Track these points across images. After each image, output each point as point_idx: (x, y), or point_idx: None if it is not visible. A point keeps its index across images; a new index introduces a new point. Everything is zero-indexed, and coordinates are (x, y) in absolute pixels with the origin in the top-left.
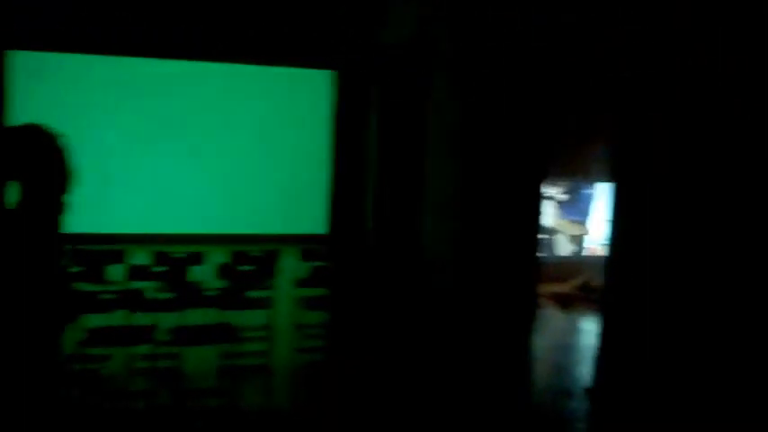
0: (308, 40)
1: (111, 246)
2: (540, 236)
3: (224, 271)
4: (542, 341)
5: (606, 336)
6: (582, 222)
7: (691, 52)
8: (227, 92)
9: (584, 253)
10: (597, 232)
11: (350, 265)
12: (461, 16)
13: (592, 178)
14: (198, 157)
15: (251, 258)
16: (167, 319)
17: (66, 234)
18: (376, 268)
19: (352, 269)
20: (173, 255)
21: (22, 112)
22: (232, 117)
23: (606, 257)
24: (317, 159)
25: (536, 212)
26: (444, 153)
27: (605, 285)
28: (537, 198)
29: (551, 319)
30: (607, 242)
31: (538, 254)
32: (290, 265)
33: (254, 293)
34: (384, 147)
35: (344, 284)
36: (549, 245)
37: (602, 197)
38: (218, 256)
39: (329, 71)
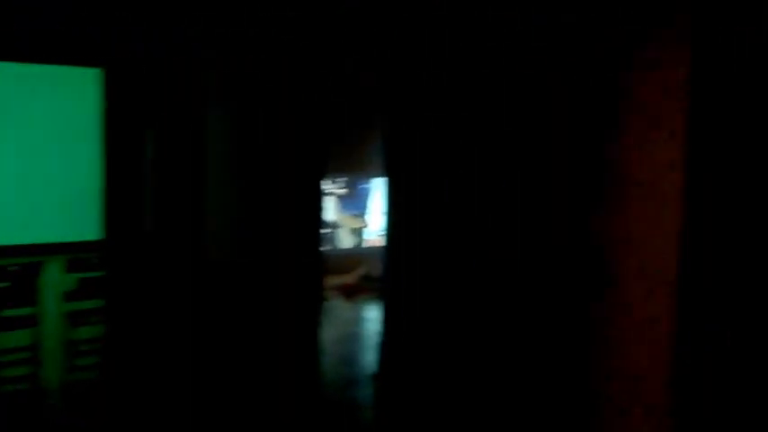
0: (68, 34)
1: None
2: (322, 230)
3: None
4: (330, 332)
5: (386, 323)
6: (361, 215)
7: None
8: None
9: (365, 245)
10: (376, 224)
11: (128, 271)
12: None
13: (369, 173)
14: None
15: (8, 273)
16: None
17: None
18: (156, 273)
19: (131, 275)
20: None
21: None
22: None
23: (383, 248)
24: (88, 161)
25: (318, 208)
26: (221, 149)
27: (383, 275)
28: (318, 195)
29: (337, 310)
30: (384, 234)
31: (321, 248)
32: (56, 278)
33: (12, 312)
34: (161, 145)
35: (122, 293)
36: (332, 238)
37: (378, 191)
38: None
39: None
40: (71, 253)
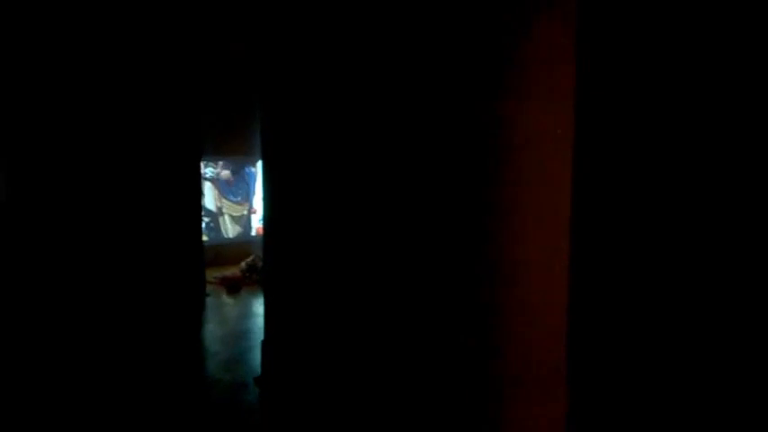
0: None
1: None
2: (202, 218)
3: None
4: (212, 330)
5: (268, 320)
6: (246, 202)
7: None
8: None
9: (251, 233)
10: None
11: None
12: None
13: (254, 157)
14: None
15: None
16: None
17: None
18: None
19: None
20: None
21: None
22: None
23: (263, 236)
24: None
25: (195, 194)
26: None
27: (264, 266)
28: (194, 178)
29: (221, 305)
30: (263, 222)
31: (200, 238)
32: None
33: None
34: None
35: None
36: (214, 227)
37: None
38: None
39: None
40: None
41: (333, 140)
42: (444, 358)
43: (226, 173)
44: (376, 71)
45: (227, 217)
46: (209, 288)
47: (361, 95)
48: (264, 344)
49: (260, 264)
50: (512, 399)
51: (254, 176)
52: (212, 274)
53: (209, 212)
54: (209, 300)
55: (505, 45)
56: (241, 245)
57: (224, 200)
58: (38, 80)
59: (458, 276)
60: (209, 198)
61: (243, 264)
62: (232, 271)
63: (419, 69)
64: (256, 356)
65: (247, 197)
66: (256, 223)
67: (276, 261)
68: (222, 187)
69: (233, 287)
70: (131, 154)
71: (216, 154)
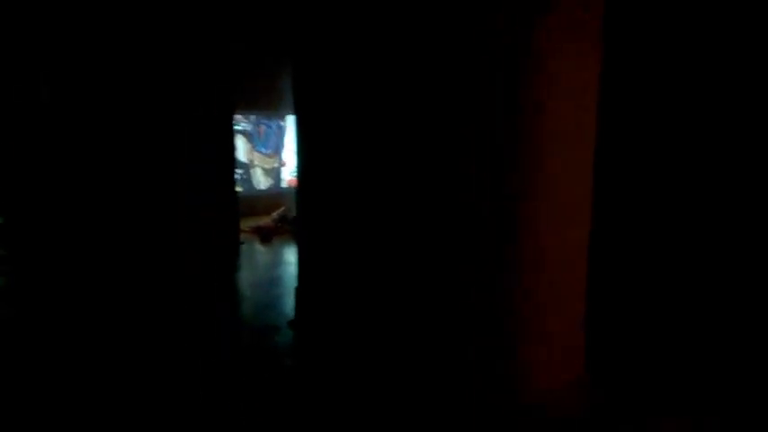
0: None
1: None
2: (236, 170)
3: None
4: (246, 276)
5: (301, 268)
6: (276, 155)
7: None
8: None
9: (282, 185)
10: (292, 164)
11: (25, 219)
12: None
13: (284, 111)
14: None
15: None
16: None
17: None
18: (55, 220)
19: (28, 223)
20: None
21: None
22: None
23: (296, 189)
24: None
25: (229, 147)
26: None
27: (297, 217)
28: (228, 132)
29: (254, 253)
30: (296, 173)
31: (235, 189)
32: None
33: None
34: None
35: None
36: (247, 179)
37: (293, 129)
38: None
39: None
40: None
41: (364, 97)
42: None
43: (258, 127)
44: (406, 31)
45: (258, 169)
46: (243, 237)
47: (393, 53)
48: (298, 289)
49: (291, 214)
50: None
51: (283, 130)
52: (246, 224)
53: (242, 165)
54: (243, 248)
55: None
56: (272, 196)
57: (256, 153)
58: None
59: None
60: (242, 151)
61: (275, 214)
62: (265, 221)
63: (449, 33)
64: (287, 302)
65: (278, 150)
66: (287, 175)
67: (308, 211)
68: (254, 140)
69: (265, 236)
70: (172, 109)
71: (248, 108)
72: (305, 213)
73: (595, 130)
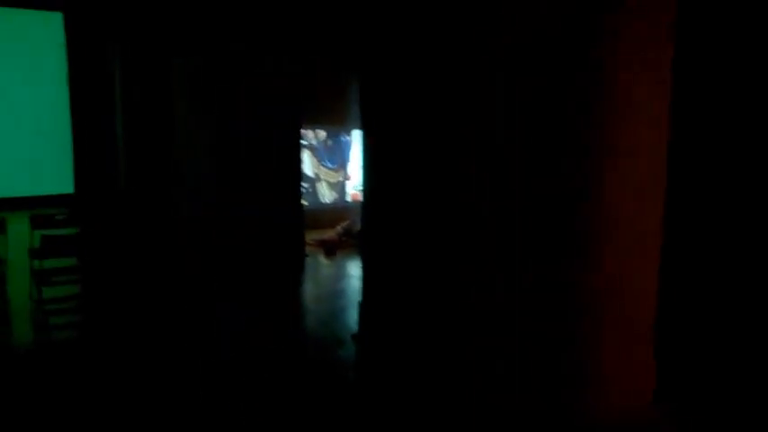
0: None
1: None
2: (301, 184)
3: None
4: (311, 289)
5: (366, 281)
6: (341, 169)
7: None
8: None
9: (346, 199)
10: (357, 178)
11: (102, 227)
12: None
13: (350, 125)
14: None
15: None
16: None
17: None
18: (130, 230)
19: (105, 232)
20: None
21: None
22: None
23: (362, 203)
24: (56, 110)
25: (296, 161)
26: (188, 95)
27: (362, 231)
28: (296, 147)
29: (318, 266)
30: (362, 188)
31: (301, 202)
32: (21, 235)
33: None
34: (129, 95)
35: (95, 250)
36: (312, 193)
37: (358, 143)
38: None
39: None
40: (36, 208)
41: (433, 109)
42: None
43: (323, 141)
44: (477, 41)
45: (323, 183)
46: (307, 250)
47: (463, 63)
48: (362, 303)
49: (355, 228)
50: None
51: (349, 145)
52: (310, 237)
53: (308, 178)
54: (307, 260)
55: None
56: (336, 210)
57: (321, 167)
58: None
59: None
60: (308, 165)
61: (339, 227)
62: (329, 234)
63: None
64: (351, 315)
65: (343, 164)
66: (351, 189)
67: (374, 226)
68: (320, 155)
69: (330, 249)
70: (246, 124)
71: (314, 123)
72: (370, 227)
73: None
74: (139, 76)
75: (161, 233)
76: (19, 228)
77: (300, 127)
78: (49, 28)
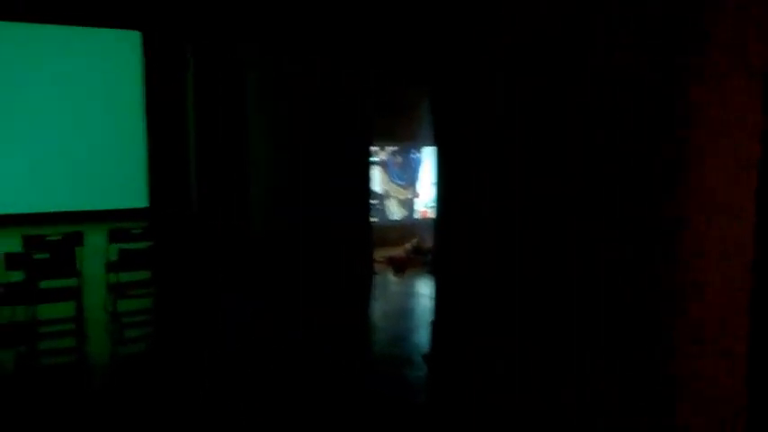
0: None
1: None
2: (371, 201)
3: (14, 261)
4: (380, 307)
5: (439, 300)
6: (411, 186)
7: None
8: (22, 55)
9: (415, 216)
10: (426, 195)
11: (175, 241)
12: None
13: (420, 142)
14: None
15: (48, 243)
16: None
17: None
18: (202, 244)
19: (178, 246)
20: None
21: None
22: (28, 81)
23: (435, 220)
24: (132, 125)
25: (366, 177)
26: (261, 113)
27: (435, 248)
28: (366, 163)
29: (387, 284)
30: (434, 205)
31: (370, 219)
32: (100, 247)
33: (54, 284)
34: (203, 111)
35: (169, 264)
36: (381, 210)
37: (429, 160)
38: (7, 244)
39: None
40: (112, 222)
41: (515, 125)
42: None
43: (392, 158)
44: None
45: (393, 200)
46: (376, 267)
47: (552, 81)
48: (434, 323)
49: (424, 246)
50: None
51: (419, 161)
52: (379, 254)
53: (377, 195)
54: (376, 278)
55: None
56: (405, 227)
57: (391, 183)
58: None
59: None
60: (377, 181)
61: (408, 245)
62: (397, 252)
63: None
64: (421, 335)
65: (412, 181)
66: (420, 206)
67: (448, 243)
68: (389, 171)
69: (399, 267)
70: (316, 140)
71: (384, 139)
72: (444, 245)
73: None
74: (213, 93)
75: (231, 248)
76: (94, 240)
77: (371, 143)
78: (127, 46)
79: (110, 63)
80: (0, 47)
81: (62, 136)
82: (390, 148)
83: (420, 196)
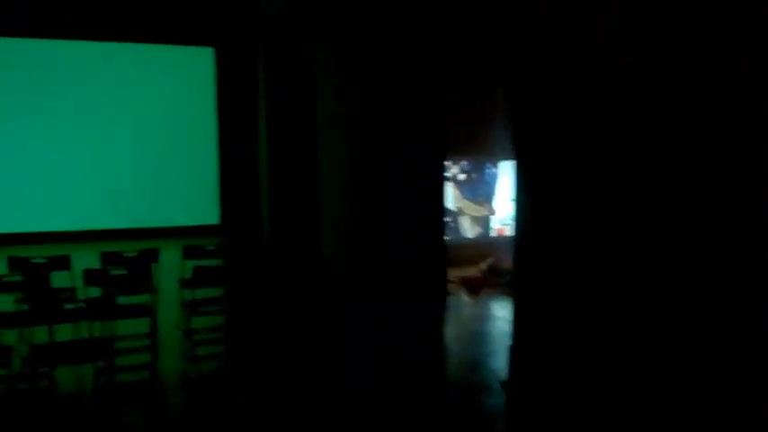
0: (178, 14)
1: None
2: (444, 218)
3: (92, 277)
4: (454, 330)
5: (519, 323)
6: (486, 202)
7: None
8: (95, 74)
9: (490, 234)
10: (503, 212)
11: (246, 259)
12: None
13: (496, 156)
14: (62, 143)
15: (125, 260)
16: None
17: None
18: (273, 263)
19: (249, 264)
20: (32, 260)
21: None
22: (103, 99)
23: (514, 238)
24: (204, 142)
25: (439, 193)
26: (335, 128)
27: (515, 269)
28: (439, 178)
29: (461, 305)
30: (514, 222)
31: (444, 237)
32: (175, 264)
33: (130, 300)
34: (275, 126)
35: (240, 282)
36: (454, 227)
37: (506, 175)
38: (86, 259)
39: (210, 48)
40: (187, 238)
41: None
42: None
43: (466, 173)
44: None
45: (467, 217)
46: (449, 287)
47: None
48: (512, 348)
49: (501, 265)
50: None
51: (495, 177)
52: (453, 274)
53: (450, 212)
54: (450, 298)
55: None
56: (480, 245)
57: (464, 200)
58: None
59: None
60: (450, 197)
61: (483, 264)
62: (472, 272)
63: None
64: (498, 360)
65: (488, 197)
66: (496, 224)
67: (529, 263)
68: (463, 187)
69: (473, 288)
70: (388, 156)
71: (458, 154)
72: (525, 264)
73: None
74: (283, 108)
75: (302, 267)
76: (167, 257)
77: (444, 158)
78: (201, 63)
79: (183, 80)
80: (77, 66)
81: (136, 153)
82: (463, 163)
83: (496, 213)
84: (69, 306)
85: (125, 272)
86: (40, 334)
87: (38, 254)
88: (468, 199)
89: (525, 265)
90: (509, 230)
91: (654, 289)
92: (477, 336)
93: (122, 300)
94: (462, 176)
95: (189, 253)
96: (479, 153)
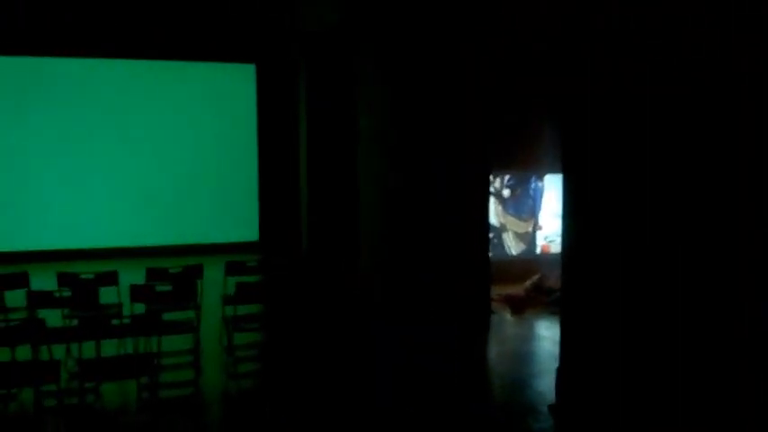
0: (220, 32)
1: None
2: (487, 234)
3: (138, 292)
4: (497, 350)
5: (567, 344)
6: (531, 218)
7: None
8: (138, 91)
9: (536, 251)
10: (549, 228)
11: (285, 276)
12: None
13: (541, 170)
14: (108, 161)
15: (170, 276)
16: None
17: None
18: (312, 280)
19: (287, 281)
20: (80, 276)
21: None
22: (147, 117)
23: (562, 256)
24: (245, 159)
25: (484, 208)
26: (374, 142)
27: (563, 287)
28: (483, 194)
29: (505, 325)
30: (561, 239)
31: (487, 254)
32: (216, 280)
33: (174, 316)
34: (314, 143)
35: (279, 299)
36: (497, 244)
37: (552, 190)
38: (131, 275)
39: (251, 64)
40: (232, 254)
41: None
42: None
43: (510, 188)
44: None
45: (510, 233)
46: (492, 306)
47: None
48: (560, 370)
49: (546, 283)
50: None
51: (540, 191)
52: (496, 292)
53: (493, 228)
54: (493, 317)
55: None
56: (524, 262)
57: (507, 215)
58: None
59: None
60: (493, 213)
61: (528, 283)
62: (516, 290)
63: None
64: (545, 382)
65: (532, 213)
66: (541, 240)
67: (579, 282)
68: (506, 202)
69: (517, 306)
70: (431, 172)
71: (502, 168)
72: (574, 282)
73: None
74: (324, 125)
75: (340, 286)
76: (208, 273)
77: (489, 173)
78: (242, 80)
79: (225, 98)
80: (122, 84)
81: (180, 170)
82: (508, 177)
83: (541, 229)
84: (116, 321)
85: (170, 288)
86: (86, 348)
87: (86, 269)
88: (511, 215)
89: (574, 284)
90: (554, 247)
91: (706, 309)
92: (522, 356)
93: (167, 315)
94: (506, 191)
95: (231, 269)
96: (524, 167)
